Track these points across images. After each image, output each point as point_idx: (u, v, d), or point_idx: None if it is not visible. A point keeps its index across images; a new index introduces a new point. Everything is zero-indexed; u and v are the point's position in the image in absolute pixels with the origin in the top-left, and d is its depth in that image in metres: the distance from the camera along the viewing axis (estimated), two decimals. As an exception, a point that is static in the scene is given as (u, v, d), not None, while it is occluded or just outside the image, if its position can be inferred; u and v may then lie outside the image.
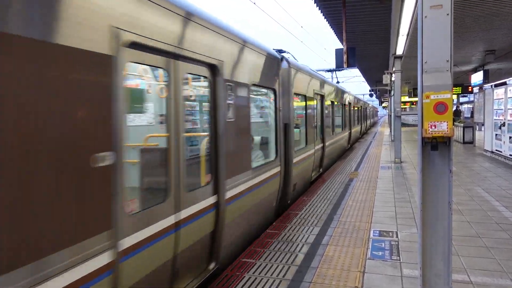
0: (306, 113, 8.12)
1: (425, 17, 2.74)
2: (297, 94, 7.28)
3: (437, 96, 2.66)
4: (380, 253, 4.26)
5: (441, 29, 2.71)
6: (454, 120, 19.53)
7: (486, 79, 16.65)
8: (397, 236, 4.80)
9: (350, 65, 9.90)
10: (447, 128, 2.66)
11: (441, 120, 2.66)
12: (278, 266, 3.98)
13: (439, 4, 2.71)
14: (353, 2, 9.06)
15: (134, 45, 2.62)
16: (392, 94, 19.93)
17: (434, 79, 2.71)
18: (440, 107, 2.65)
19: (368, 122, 35.22)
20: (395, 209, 6.15)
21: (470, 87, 20.86)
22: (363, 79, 32.14)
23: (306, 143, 7.95)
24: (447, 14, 2.69)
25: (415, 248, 4.33)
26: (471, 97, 33.62)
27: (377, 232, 5.00)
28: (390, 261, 4.01)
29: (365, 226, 5.28)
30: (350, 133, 17.29)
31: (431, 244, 2.86)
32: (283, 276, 3.72)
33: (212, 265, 3.88)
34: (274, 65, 5.76)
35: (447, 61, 2.71)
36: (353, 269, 3.83)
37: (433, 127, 2.68)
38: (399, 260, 4.04)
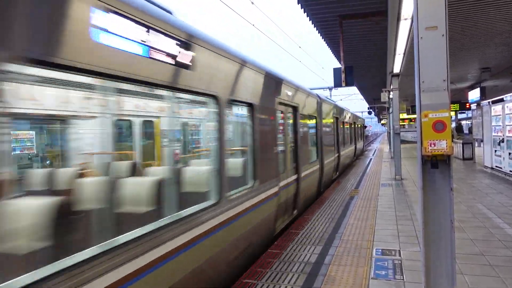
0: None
1: (421, 38, 2.81)
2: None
3: (436, 115, 2.70)
4: (383, 272, 4.21)
5: (437, 50, 2.78)
6: (453, 137, 19.60)
7: (483, 95, 16.83)
8: (400, 255, 4.76)
9: (348, 84, 10.03)
10: (446, 146, 2.68)
11: (440, 138, 2.69)
12: (280, 287, 3.92)
13: (434, 25, 2.78)
14: (350, 22, 9.27)
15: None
16: (390, 111, 20.07)
17: (431, 98, 2.76)
18: (438, 126, 2.69)
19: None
20: (397, 227, 6.11)
21: (467, 104, 21.05)
22: (362, 97, 32.43)
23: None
24: (442, 35, 2.76)
25: (418, 266, 4.27)
26: (469, 114, 33.82)
27: (380, 250, 4.95)
28: (394, 281, 3.96)
29: (368, 244, 5.23)
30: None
31: (434, 263, 2.84)
32: (286, 297, 3.66)
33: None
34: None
35: (444, 80, 2.76)
36: (356, 289, 3.77)
37: (432, 145, 2.71)
38: (403, 279, 3.99)
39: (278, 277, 4.17)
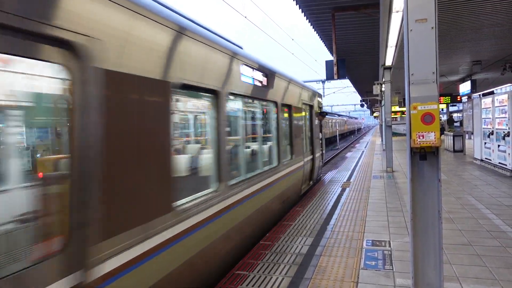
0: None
1: (411, 30, 2.82)
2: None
3: (424, 107, 2.73)
4: (373, 262, 4.27)
5: (426, 42, 2.80)
6: (444, 129, 19.79)
7: (474, 88, 16.98)
8: (389, 246, 4.83)
9: (340, 76, 10.04)
10: (434, 138, 2.71)
11: (428, 130, 2.71)
12: (271, 278, 3.96)
13: (424, 18, 2.79)
14: (342, 15, 9.25)
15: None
16: (382, 104, 20.17)
17: (420, 90, 2.78)
18: (427, 118, 2.72)
19: None
20: (387, 218, 6.19)
21: (458, 97, 21.23)
22: (354, 90, 32.53)
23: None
24: (432, 28, 2.78)
25: (407, 257, 4.34)
26: (460, 106, 34.14)
27: (370, 241, 5.02)
28: (383, 271, 4.02)
29: (358, 236, 5.29)
30: None
31: (422, 253, 2.89)
32: (277, 288, 3.70)
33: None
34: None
35: (433, 73, 2.78)
36: (346, 280, 3.83)
37: (421, 137, 2.73)
38: (392, 269, 4.06)
39: (270, 268, 4.21)
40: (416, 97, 2.78)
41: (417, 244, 2.89)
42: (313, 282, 3.81)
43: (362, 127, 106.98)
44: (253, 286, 3.78)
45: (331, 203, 7.47)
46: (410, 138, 2.77)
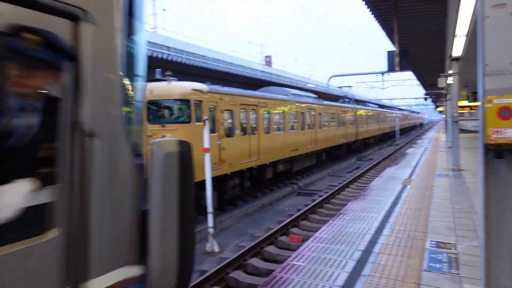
0: None
1: (487, 16, 2.60)
2: None
3: (501, 101, 2.51)
4: (438, 265, 4.05)
5: (505, 29, 2.57)
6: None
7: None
8: (456, 249, 4.54)
9: (402, 68, 9.56)
10: (513, 134, 2.49)
11: (506, 126, 2.50)
12: (328, 271, 3.94)
13: (503, 2, 2.56)
14: (405, 3, 8.76)
15: None
16: (448, 98, 18.85)
17: (497, 82, 2.57)
18: (504, 112, 2.50)
19: None
20: (453, 219, 5.81)
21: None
22: (417, 82, 30.76)
23: None
24: (511, 13, 2.54)
25: (476, 262, 4.05)
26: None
27: (434, 243, 4.76)
28: (449, 275, 3.80)
29: (420, 236, 5.04)
30: None
31: (495, 258, 2.69)
32: (333, 282, 3.67)
33: None
34: None
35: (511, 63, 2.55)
36: (407, 280, 3.68)
37: (496, 133, 2.53)
38: (459, 274, 3.82)
39: (326, 262, 4.18)
40: (492, 90, 2.57)
41: (490, 249, 2.69)
42: (371, 279, 3.72)
43: (424, 122, 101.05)
44: (309, 277, 3.79)
45: (391, 200, 7.18)
46: (484, 134, 2.58)
